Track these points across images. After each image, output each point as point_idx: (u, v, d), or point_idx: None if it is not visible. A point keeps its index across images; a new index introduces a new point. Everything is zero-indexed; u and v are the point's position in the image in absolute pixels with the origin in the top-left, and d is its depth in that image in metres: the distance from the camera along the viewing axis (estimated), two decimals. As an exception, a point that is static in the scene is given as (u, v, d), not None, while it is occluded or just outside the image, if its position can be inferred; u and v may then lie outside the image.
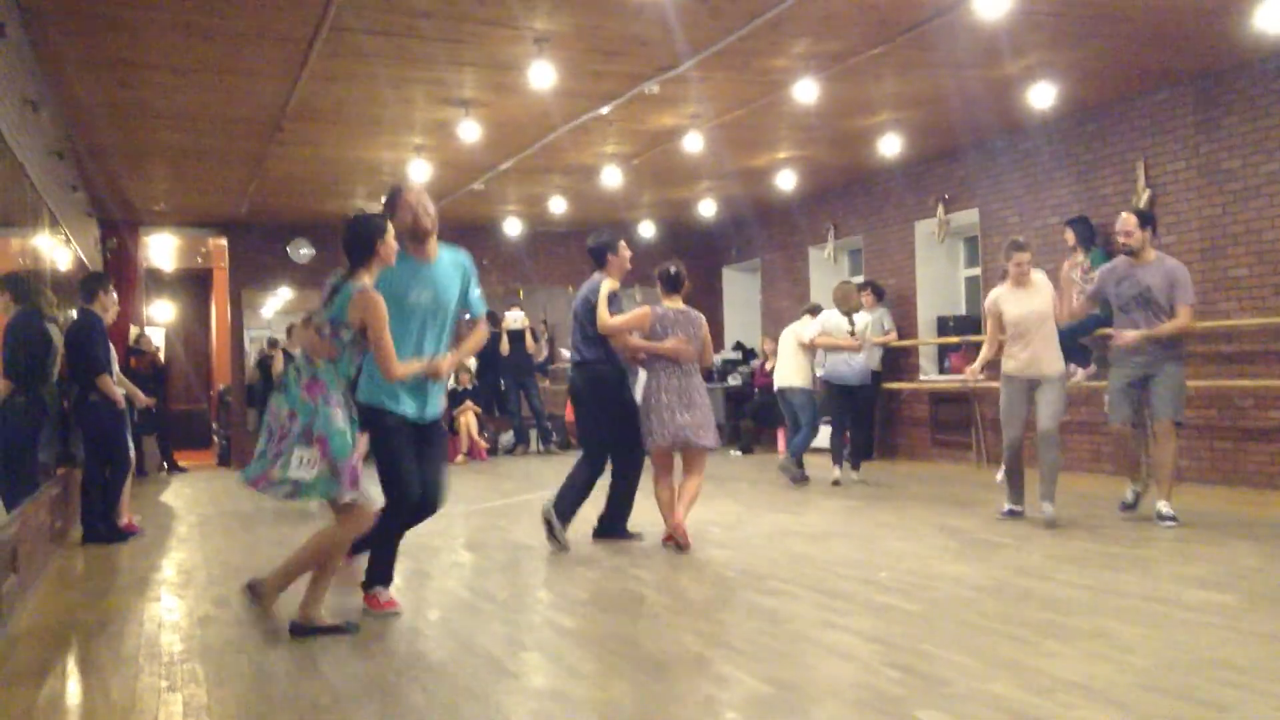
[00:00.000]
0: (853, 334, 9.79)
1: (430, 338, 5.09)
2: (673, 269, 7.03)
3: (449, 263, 5.22)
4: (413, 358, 4.96)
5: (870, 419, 12.18)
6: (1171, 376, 6.95)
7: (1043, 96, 8.99)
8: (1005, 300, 7.39)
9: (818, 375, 10.14)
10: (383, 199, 5.25)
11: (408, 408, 5.00)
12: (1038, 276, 7.42)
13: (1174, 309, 6.92)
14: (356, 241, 4.84)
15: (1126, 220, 7.10)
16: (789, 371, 10.23)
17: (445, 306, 5.14)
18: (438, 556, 7.11)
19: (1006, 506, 7.58)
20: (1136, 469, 7.45)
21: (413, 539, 7.80)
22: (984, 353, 7.59)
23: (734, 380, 15.38)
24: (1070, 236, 9.54)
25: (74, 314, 8.28)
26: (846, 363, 9.88)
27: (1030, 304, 7.27)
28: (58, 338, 7.75)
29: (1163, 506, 6.94)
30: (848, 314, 9.88)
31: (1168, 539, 6.48)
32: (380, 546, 5.22)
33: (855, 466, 10.19)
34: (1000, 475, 7.76)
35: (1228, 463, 8.89)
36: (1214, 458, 9.01)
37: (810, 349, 10.07)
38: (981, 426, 11.48)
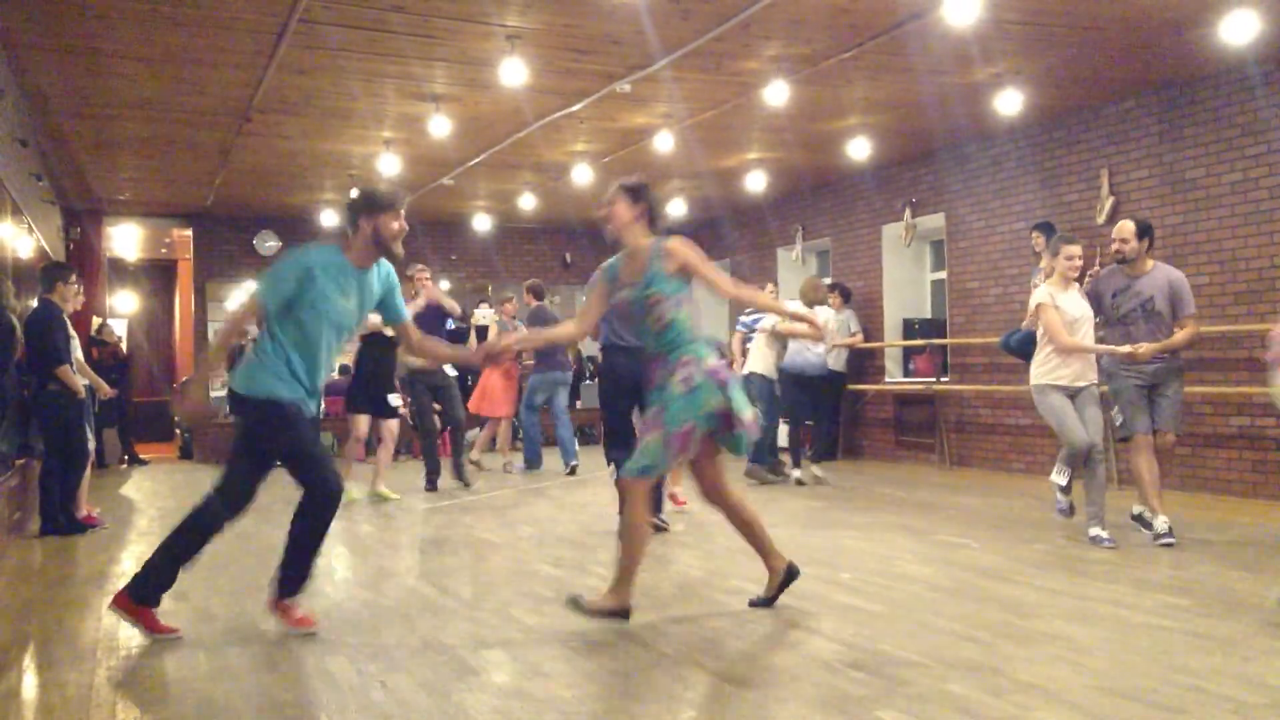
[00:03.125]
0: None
1: (336, 344, 4.81)
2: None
3: (375, 275, 4.84)
4: (314, 362, 4.70)
5: (835, 414, 12.28)
6: (1175, 389, 6.73)
7: (1010, 103, 9.07)
8: (1061, 299, 6.69)
9: (780, 367, 10.19)
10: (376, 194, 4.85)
11: (303, 396, 4.70)
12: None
13: (1179, 320, 6.69)
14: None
15: (1124, 227, 6.79)
16: (755, 359, 10.30)
17: (359, 318, 4.84)
18: (401, 553, 7.09)
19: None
20: (1157, 495, 6.69)
21: (377, 536, 7.80)
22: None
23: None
24: (1040, 240, 9.60)
25: (34, 303, 8.17)
26: (804, 354, 9.91)
27: (1084, 306, 6.77)
28: (18, 327, 7.65)
29: (1161, 524, 6.52)
30: (811, 305, 9.91)
31: (1128, 545, 6.54)
32: (310, 551, 4.80)
33: (815, 460, 10.25)
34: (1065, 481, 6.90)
35: (1186, 469, 9.00)
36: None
37: (779, 340, 10.11)
38: (945, 428, 11.57)
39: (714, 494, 4.96)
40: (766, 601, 4.99)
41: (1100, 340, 6.89)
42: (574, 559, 6.47)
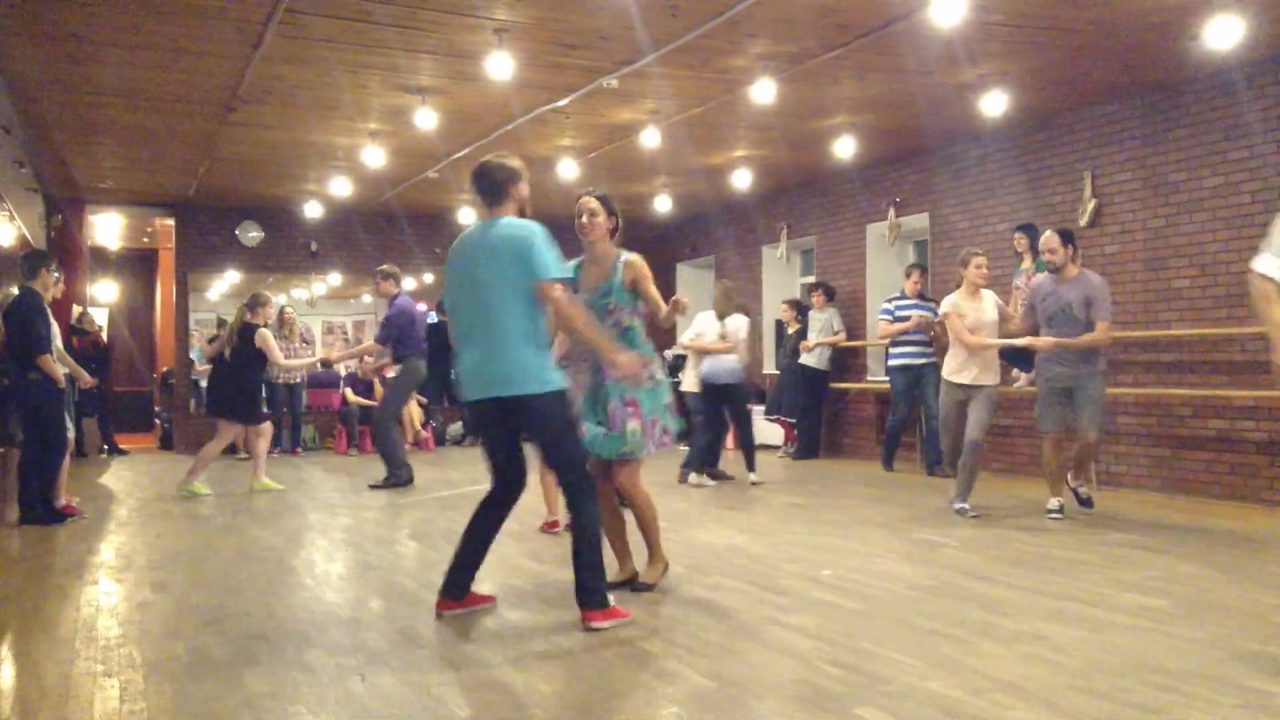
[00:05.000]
0: (723, 336, 9.82)
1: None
2: None
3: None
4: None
5: (819, 412, 12.36)
6: (1092, 391, 7.27)
7: (995, 104, 9.10)
8: (964, 307, 7.70)
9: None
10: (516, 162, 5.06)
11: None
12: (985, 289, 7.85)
13: (1092, 324, 7.26)
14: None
15: (1049, 239, 7.46)
16: (688, 375, 10.35)
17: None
18: (382, 547, 7.08)
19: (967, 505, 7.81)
20: (1060, 483, 7.64)
21: (357, 529, 7.78)
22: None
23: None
24: (1023, 242, 9.69)
25: (14, 291, 8.12)
26: (715, 362, 9.86)
27: (990, 312, 7.74)
28: (-3, 315, 7.62)
29: (1053, 503, 7.53)
30: (722, 316, 9.87)
31: (1106, 545, 6.59)
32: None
33: (750, 468, 10.09)
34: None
35: (1164, 470, 9.06)
36: (1151, 465, 9.19)
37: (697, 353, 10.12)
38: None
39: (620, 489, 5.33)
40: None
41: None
42: (555, 554, 6.47)
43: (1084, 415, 7.28)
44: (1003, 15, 7.28)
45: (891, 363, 11.09)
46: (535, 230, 4.78)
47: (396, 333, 10.17)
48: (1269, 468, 8.31)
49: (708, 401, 10.04)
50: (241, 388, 9.78)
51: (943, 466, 9.86)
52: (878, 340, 12.59)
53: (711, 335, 9.84)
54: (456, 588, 4.90)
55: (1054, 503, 7.56)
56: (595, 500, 4.77)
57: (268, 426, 10.21)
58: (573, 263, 5.26)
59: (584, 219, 5.26)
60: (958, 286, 7.88)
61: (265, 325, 9.88)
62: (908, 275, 11.12)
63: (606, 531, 5.15)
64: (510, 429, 4.83)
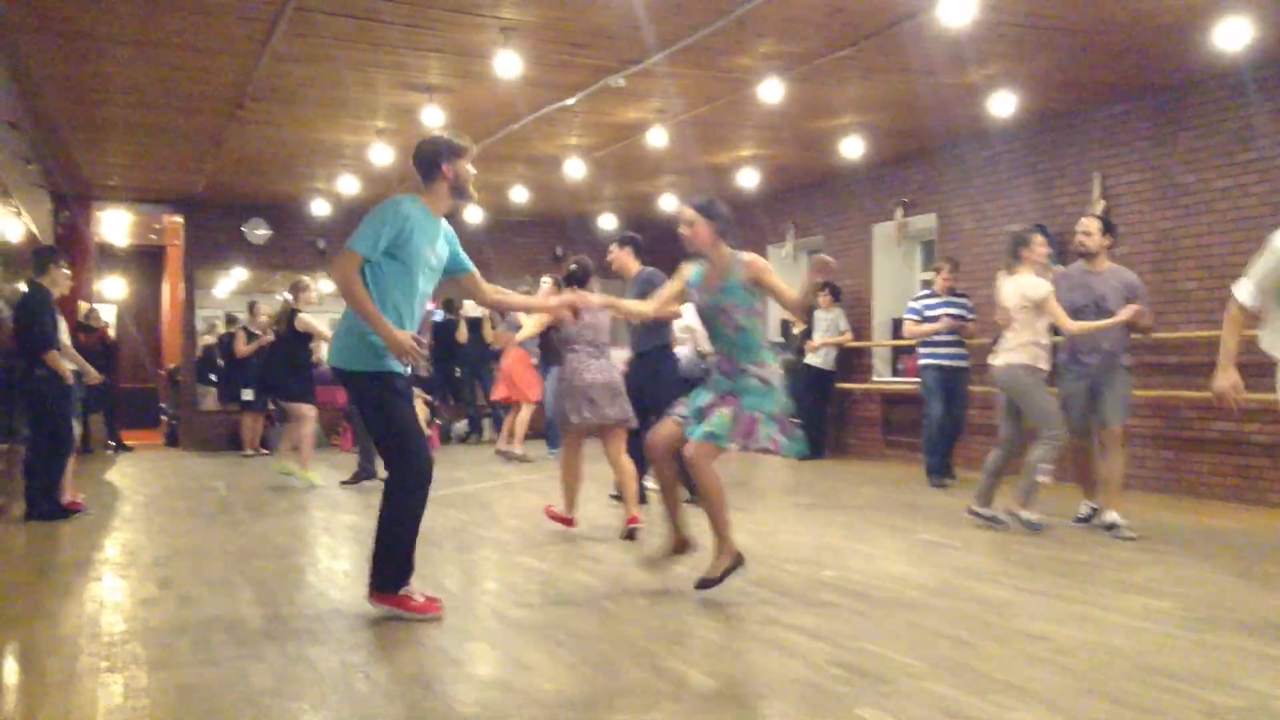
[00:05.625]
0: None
1: (421, 296, 4.86)
2: (573, 265, 7.49)
3: (443, 225, 4.98)
4: (410, 321, 4.78)
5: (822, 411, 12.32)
6: (1121, 384, 7.04)
7: (1003, 105, 9.08)
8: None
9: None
10: (455, 138, 5.02)
11: (399, 366, 4.75)
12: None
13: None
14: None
15: (1088, 222, 7.23)
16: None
17: (440, 268, 4.95)
18: (387, 543, 7.07)
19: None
20: (1093, 485, 7.33)
21: (362, 525, 7.78)
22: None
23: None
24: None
25: (22, 287, 8.14)
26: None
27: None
28: (3, 310, 7.63)
29: (1113, 516, 6.91)
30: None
31: (1111, 546, 6.58)
32: (410, 534, 4.83)
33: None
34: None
35: (1171, 472, 9.04)
36: (1158, 467, 9.16)
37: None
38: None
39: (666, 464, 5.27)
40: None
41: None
42: (559, 553, 6.48)
43: (1112, 409, 6.97)
44: (1011, 16, 7.26)
45: (921, 362, 10.19)
46: (382, 204, 4.79)
47: None
48: (1275, 470, 8.29)
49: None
50: (293, 368, 10.01)
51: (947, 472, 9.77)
52: (889, 341, 12.59)
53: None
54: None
55: (1109, 516, 6.95)
56: (409, 497, 4.75)
57: (312, 413, 10.24)
58: (694, 268, 5.30)
59: (683, 230, 5.30)
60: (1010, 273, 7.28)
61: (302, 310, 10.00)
62: (937, 270, 10.28)
63: (664, 497, 5.35)
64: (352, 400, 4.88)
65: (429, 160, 4.86)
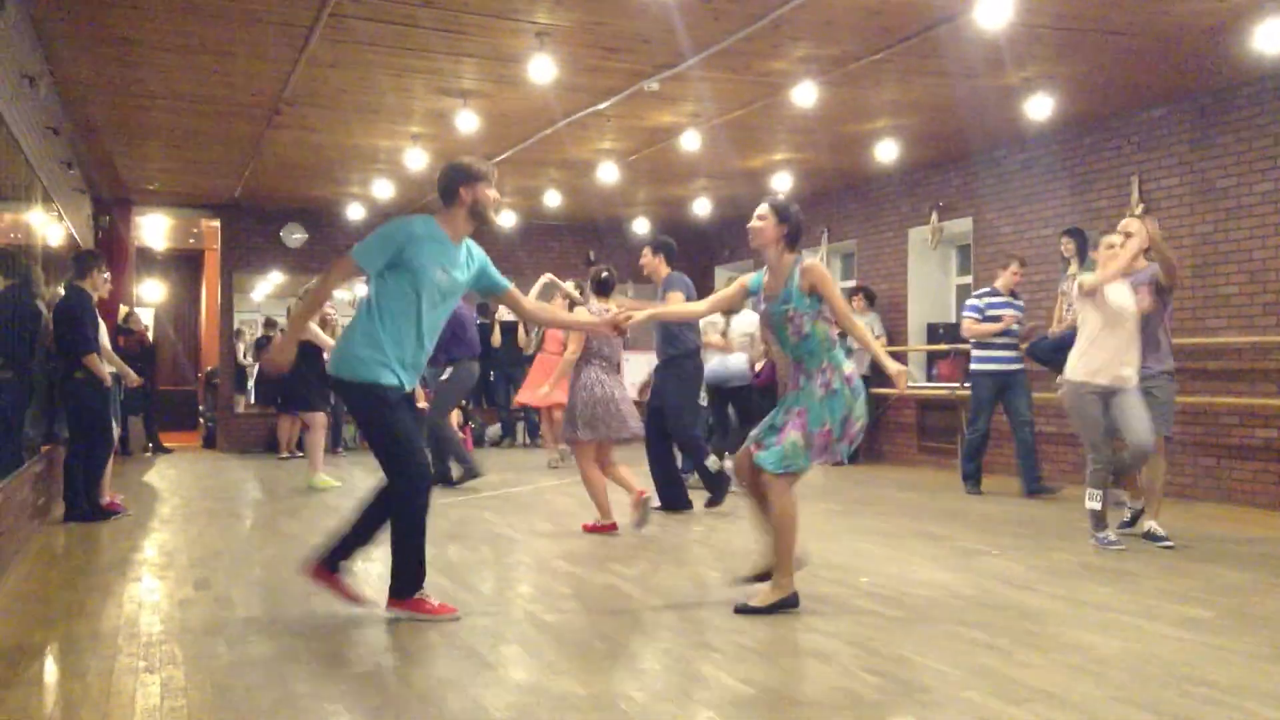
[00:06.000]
0: (724, 334, 9.81)
1: (434, 319, 4.90)
2: (604, 273, 7.73)
3: (466, 250, 5.01)
4: (414, 338, 4.81)
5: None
6: (1164, 391, 6.82)
7: (1041, 108, 9.00)
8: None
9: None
10: (474, 163, 4.99)
11: (392, 378, 4.78)
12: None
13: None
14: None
15: (1116, 240, 6.87)
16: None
17: (458, 292, 4.98)
18: (421, 546, 7.10)
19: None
20: (1135, 484, 7.15)
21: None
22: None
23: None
24: (1070, 246, 9.37)
25: (62, 290, 8.24)
26: (723, 363, 9.81)
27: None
28: (44, 313, 7.73)
29: (1153, 525, 6.78)
30: (726, 314, 9.74)
31: (1150, 554, 6.49)
32: (419, 541, 4.90)
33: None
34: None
35: (1211, 479, 8.92)
36: (1197, 474, 9.05)
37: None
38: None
39: (755, 486, 5.10)
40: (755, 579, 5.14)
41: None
42: (593, 556, 6.48)
43: (1157, 418, 6.66)
44: (1049, 18, 7.21)
45: (976, 367, 9.61)
46: (393, 221, 4.89)
47: (448, 334, 10.09)
48: (1318, 478, 8.17)
49: (715, 404, 10.06)
50: (306, 378, 10.11)
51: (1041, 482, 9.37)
52: (924, 346, 12.51)
53: (714, 333, 9.79)
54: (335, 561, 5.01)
55: (1149, 525, 6.81)
56: (407, 506, 4.83)
57: (322, 421, 10.37)
58: (755, 275, 5.24)
59: (752, 224, 5.12)
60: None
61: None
62: (1004, 267, 9.66)
63: (756, 523, 5.21)
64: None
65: (447, 185, 4.88)
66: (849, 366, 5.00)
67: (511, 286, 5.22)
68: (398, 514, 4.83)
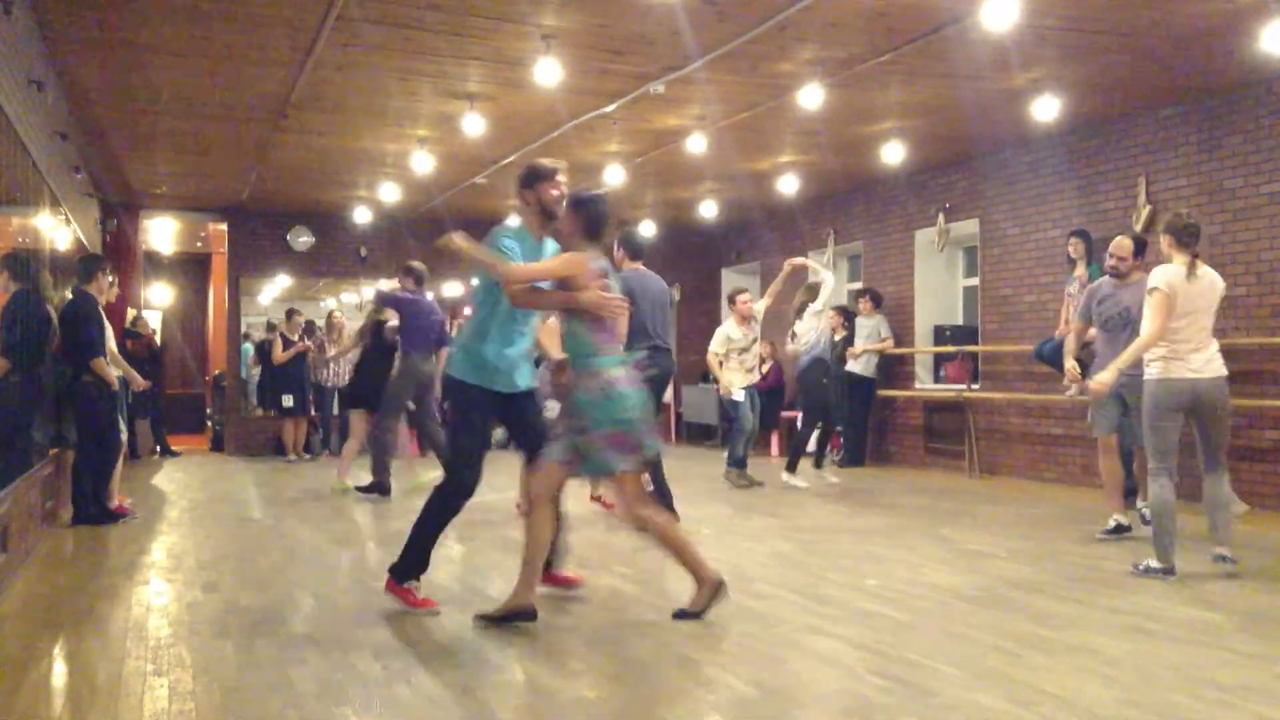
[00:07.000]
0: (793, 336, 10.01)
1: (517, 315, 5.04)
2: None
3: (547, 247, 5.18)
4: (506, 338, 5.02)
5: (864, 419, 12.37)
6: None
7: (1047, 110, 8.99)
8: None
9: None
10: (537, 163, 5.18)
11: (498, 384, 5.03)
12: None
13: None
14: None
15: (1122, 245, 7.05)
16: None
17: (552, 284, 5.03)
18: (428, 549, 7.11)
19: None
20: (1124, 499, 7.19)
21: (404, 531, 7.82)
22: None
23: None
24: (1078, 247, 9.27)
25: (69, 294, 8.26)
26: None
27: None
28: (54, 317, 7.74)
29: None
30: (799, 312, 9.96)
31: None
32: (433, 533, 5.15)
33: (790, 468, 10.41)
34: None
35: (1219, 481, 8.88)
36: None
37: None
38: (975, 436, 11.48)
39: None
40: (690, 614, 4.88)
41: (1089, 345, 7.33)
42: (597, 559, 6.48)
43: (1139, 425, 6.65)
44: (1056, 19, 7.19)
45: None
46: (491, 231, 5.11)
47: (406, 323, 9.66)
48: (1328, 480, 8.14)
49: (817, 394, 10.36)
50: (381, 380, 10.05)
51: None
52: (931, 348, 12.49)
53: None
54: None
55: (1111, 522, 7.08)
56: (445, 503, 5.07)
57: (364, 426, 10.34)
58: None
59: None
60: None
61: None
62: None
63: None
64: None
65: (519, 186, 5.15)
66: (613, 371, 4.77)
67: None
68: (432, 502, 5.10)
